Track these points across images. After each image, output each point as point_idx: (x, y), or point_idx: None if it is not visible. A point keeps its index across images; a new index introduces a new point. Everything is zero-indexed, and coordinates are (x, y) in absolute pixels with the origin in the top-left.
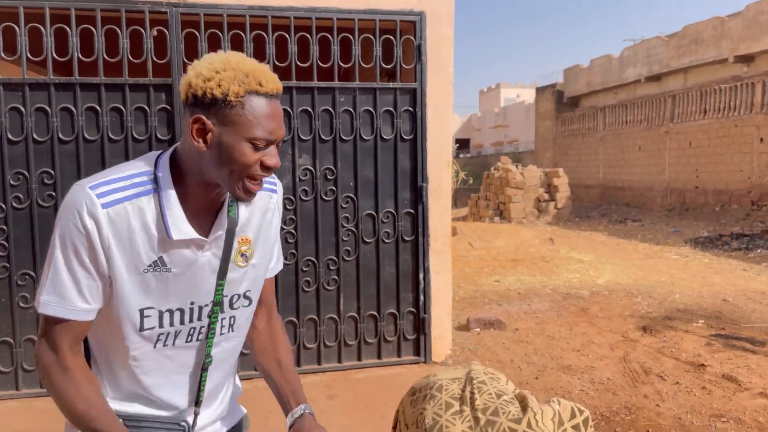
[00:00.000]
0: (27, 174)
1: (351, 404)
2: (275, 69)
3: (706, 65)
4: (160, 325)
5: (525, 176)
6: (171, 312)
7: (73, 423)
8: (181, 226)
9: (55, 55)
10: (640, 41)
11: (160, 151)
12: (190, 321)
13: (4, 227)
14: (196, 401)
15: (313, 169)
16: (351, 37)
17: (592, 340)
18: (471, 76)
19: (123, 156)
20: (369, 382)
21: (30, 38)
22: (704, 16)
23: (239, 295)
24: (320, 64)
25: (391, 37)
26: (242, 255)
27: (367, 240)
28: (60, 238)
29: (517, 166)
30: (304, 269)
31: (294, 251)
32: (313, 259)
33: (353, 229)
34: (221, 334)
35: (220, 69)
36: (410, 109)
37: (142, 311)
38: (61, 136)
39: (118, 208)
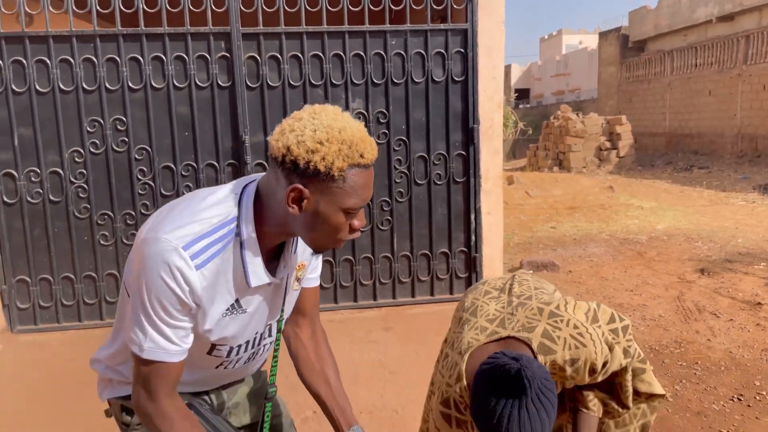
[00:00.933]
0: (102, 121)
1: (405, 335)
2: (327, 14)
3: None
4: (228, 356)
5: (585, 124)
6: (240, 346)
7: None
8: (260, 273)
9: (122, 7)
10: None
11: (242, 184)
12: (252, 347)
13: (84, 171)
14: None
15: (365, 112)
16: None
17: (646, 281)
18: (531, 24)
19: (188, 104)
20: (422, 316)
21: None
22: None
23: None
24: (371, 7)
25: None
26: (297, 280)
27: (419, 182)
28: (153, 294)
29: (578, 114)
30: None
31: None
32: None
33: (405, 171)
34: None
35: (324, 140)
36: (461, 50)
37: (214, 345)
38: (130, 84)
39: (210, 266)
